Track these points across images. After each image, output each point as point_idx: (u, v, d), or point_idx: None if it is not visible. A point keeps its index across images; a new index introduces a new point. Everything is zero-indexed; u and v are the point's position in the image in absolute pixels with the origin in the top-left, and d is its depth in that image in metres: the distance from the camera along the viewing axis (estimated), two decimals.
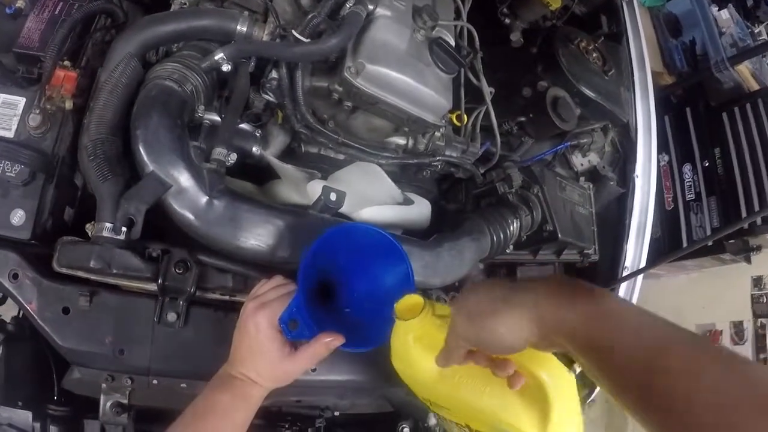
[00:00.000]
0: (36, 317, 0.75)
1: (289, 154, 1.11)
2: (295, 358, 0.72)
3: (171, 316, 0.82)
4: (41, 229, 0.77)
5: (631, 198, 1.42)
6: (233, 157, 0.85)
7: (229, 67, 0.92)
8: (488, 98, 1.21)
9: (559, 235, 1.14)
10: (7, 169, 0.74)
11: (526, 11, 1.37)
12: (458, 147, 1.20)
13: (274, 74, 0.98)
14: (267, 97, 1.02)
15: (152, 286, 0.81)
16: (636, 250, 1.40)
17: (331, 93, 0.99)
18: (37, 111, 0.75)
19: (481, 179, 1.23)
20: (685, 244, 2.43)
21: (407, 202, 1.10)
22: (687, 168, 2.54)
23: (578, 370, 0.83)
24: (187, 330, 0.83)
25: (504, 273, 1.29)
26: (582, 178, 1.35)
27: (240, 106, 0.91)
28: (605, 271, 1.36)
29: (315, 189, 0.94)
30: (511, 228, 1.12)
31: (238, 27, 0.93)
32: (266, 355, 0.72)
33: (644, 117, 1.50)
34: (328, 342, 0.72)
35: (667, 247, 2.44)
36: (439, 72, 1.04)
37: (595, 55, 1.37)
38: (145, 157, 0.79)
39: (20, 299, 0.74)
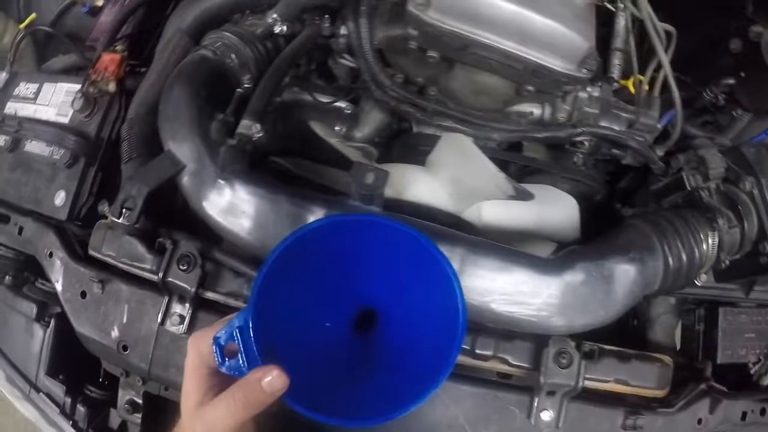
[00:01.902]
0: (60, 297, 0.72)
1: (398, 137, 0.89)
2: (217, 403, 0.46)
3: (174, 319, 0.70)
4: (81, 210, 0.76)
5: None
6: (257, 128, 0.69)
7: (284, 28, 0.78)
8: (657, 41, 0.74)
9: None
10: (55, 152, 0.75)
11: None
12: (622, 117, 0.77)
13: (343, 30, 0.79)
14: (345, 61, 0.83)
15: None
16: None
17: (408, 42, 0.74)
18: (80, 95, 0.74)
19: (661, 167, 0.76)
20: None
21: (523, 195, 0.73)
22: None
23: None
24: None
25: (701, 316, 0.78)
26: None
27: (280, 71, 0.73)
28: None
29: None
30: (704, 245, 0.64)
31: None
32: (187, 397, 0.49)
33: None
34: (259, 378, 0.44)
35: None
36: None
37: None
38: (163, 134, 0.70)
39: (51, 277, 0.73)
